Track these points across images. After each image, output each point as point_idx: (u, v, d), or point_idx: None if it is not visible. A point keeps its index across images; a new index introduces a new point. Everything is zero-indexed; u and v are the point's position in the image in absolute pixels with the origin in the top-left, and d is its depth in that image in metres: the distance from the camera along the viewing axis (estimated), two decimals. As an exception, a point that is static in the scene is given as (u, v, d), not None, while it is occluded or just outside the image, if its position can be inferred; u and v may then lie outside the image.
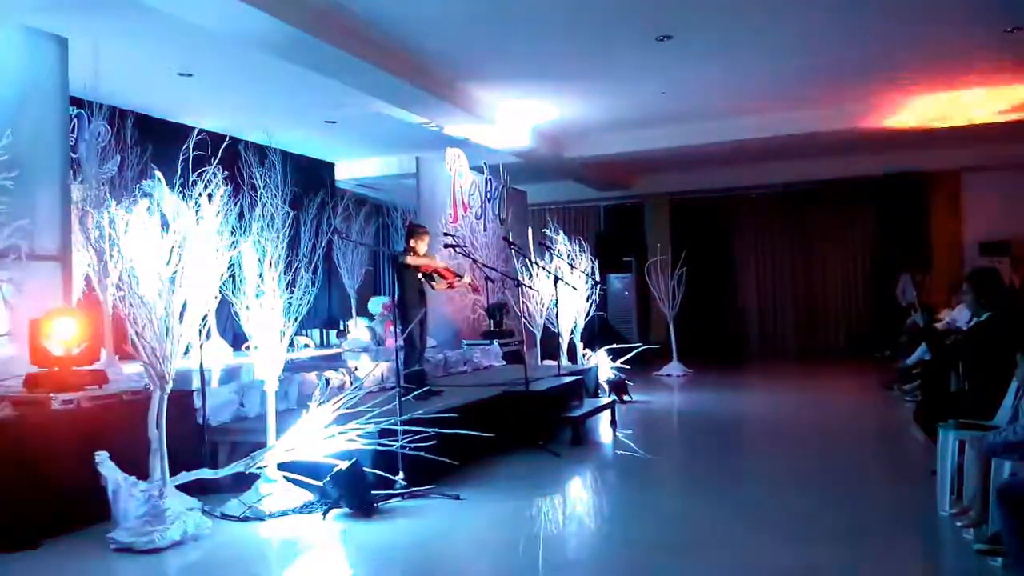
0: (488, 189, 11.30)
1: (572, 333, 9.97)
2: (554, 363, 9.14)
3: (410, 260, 6.65)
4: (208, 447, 5.31)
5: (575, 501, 5.53)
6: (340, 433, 4.88)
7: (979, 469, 4.06)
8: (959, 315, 8.62)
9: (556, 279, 8.75)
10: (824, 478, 5.69)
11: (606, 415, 8.04)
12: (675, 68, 8.71)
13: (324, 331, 10.63)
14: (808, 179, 14.43)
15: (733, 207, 15.81)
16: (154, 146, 7.19)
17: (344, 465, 4.76)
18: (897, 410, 8.48)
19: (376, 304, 10.34)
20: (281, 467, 4.96)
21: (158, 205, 4.76)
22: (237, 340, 8.23)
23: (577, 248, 10.39)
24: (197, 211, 4.67)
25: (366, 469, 4.89)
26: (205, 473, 4.82)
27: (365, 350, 9.34)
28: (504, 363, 9.67)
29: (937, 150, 13.06)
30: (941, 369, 6.26)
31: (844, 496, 5.14)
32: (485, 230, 11.11)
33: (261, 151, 5.36)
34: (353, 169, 12.96)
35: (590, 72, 8.79)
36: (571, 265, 10.03)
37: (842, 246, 15.24)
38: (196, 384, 5.24)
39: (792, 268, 15.51)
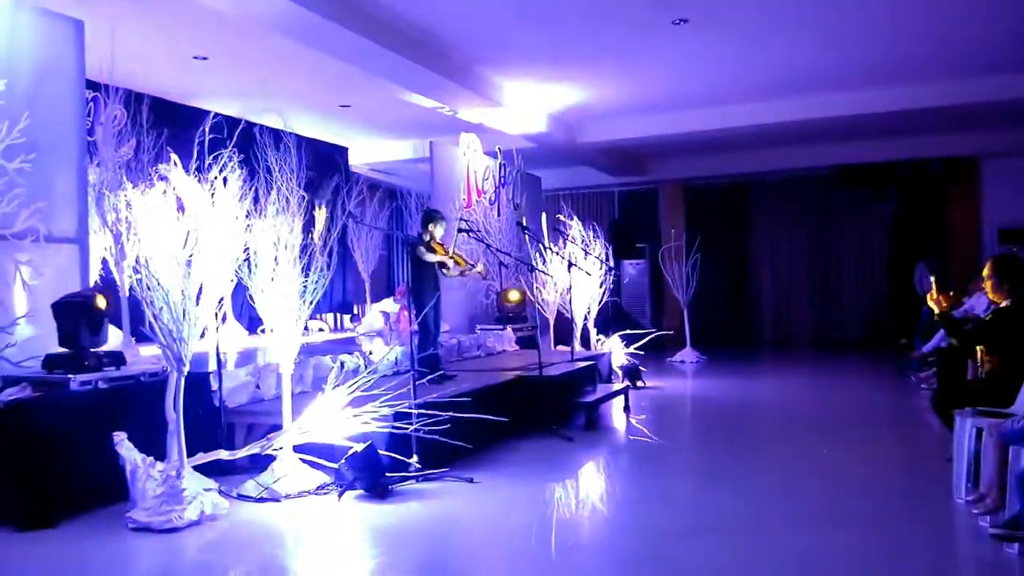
0: (502, 174, 11.28)
1: (586, 319, 9.96)
2: (567, 349, 9.15)
3: (428, 257, 6.64)
4: (225, 429, 5.36)
5: (588, 486, 5.54)
6: (355, 416, 4.91)
7: (996, 456, 4.04)
8: (977, 302, 8.56)
9: (570, 265, 8.73)
10: (839, 465, 5.67)
11: (619, 401, 8.04)
12: (692, 52, 8.63)
13: (338, 315, 10.68)
14: (825, 165, 14.31)
15: (748, 193, 15.70)
16: (169, 129, 7.23)
17: (359, 447, 4.79)
18: (913, 398, 8.45)
19: (391, 304, 10.33)
20: (297, 449, 4.99)
21: (174, 188, 4.78)
22: (252, 323, 8.29)
23: (591, 234, 10.36)
24: (212, 194, 4.69)
25: (381, 452, 4.92)
26: (222, 454, 4.88)
27: (379, 334, 9.38)
28: (517, 348, 9.69)
29: (957, 136, 12.91)
30: (959, 356, 6.20)
31: (859, 483, 5.12)
32: (499, 215, 11.10)
33: (276, 135, 5.37)
34: (367, 154, 12.97)
35: (605, 56, 8.73)
36: (585, 251, 10.01)
37: (859, 233, 15.11)
38: (212, 366, 5.28)
39: (808, 255, 15.40)
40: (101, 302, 4.83)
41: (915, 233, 14.29)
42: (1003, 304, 4.87)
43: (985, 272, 4.95)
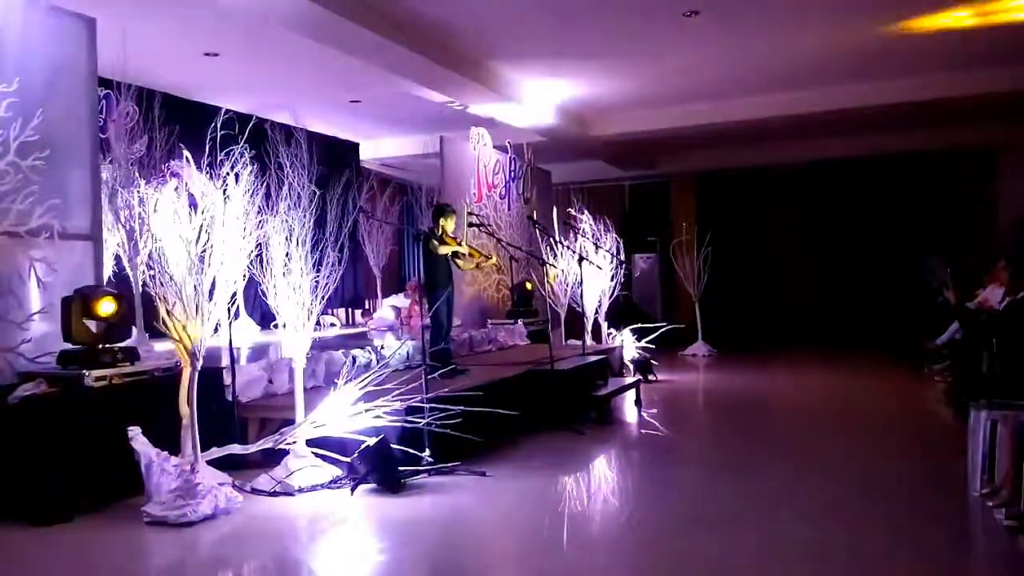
0: (512, 168, 11.27)
1: (597, 313, 9.94)
2: (579, 342, 9.14)
3: (441, 249, 6.65)
4: (238, 423, 5.39)
5: (600, 479, 5.54)
6: (367, 410, 4.92)
7: (1011, 448, 4.01)
8: (991, 294, 8.49)
9: (581, 259, 8.72)
10: (853, 457, 5.65)
11: (631, 394, 8.03)
12: (702, 44, 8.59)
13: (350, 310, 10.72)
14: (837, 157, 14.22)
15: (760, 185, 15.62)
16: (181, 126, 7.26)
17: (372, 442, 4.81)
18: (927, 390, 8.39)
19: (402, 299, 10.36)
20: (310, 443, 5.02)
21: (186, 185, 4.81)
22: (265, 319, 8.33)
23: (602, 227, 10.34)
24: (224, 191, 4.70)
25: (393, 446, 4.94)
26: (235, 449, 4.90)
27: (390, 329, 9.40)
28: (528, 342, 9.69)
29: (970, 127, 12.79)
30: (974, 348, 6.17)
31: (873, 475, 5.10)
32: (509, 209, 11.09)
33: (287, 131, 5.38)
34: (377, 149, 12.99)
35: (616, 49, 8.70)
36: (596, 244, 9.99)
37: (872, 225, 15.01)
38: (226, 361, 5.31)
39: (821, 247, 15.32)
40: (104, 306, 4.81)
41: (931, 225, 14.19)
42: (1021, 295, 4.83)
43: (1002, 264, 4.92)
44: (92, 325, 4.79)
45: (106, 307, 4.83)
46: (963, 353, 7.27)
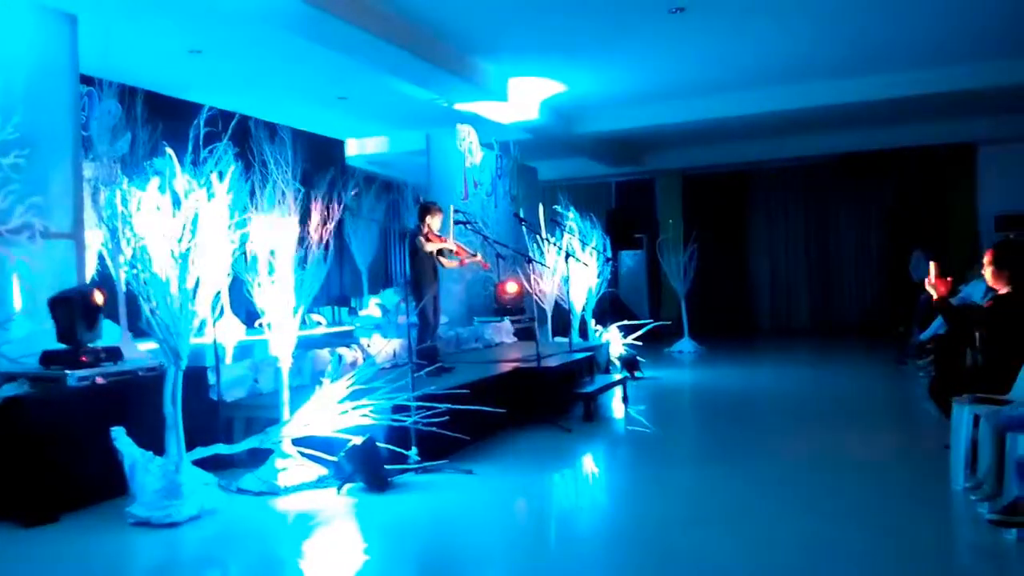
0: (499, 166, 11.26)
1: (583, 310, 9.95)
2: (565, 340, 9.15)
3: (428, 246, 6.65)
4: (223, 423, 5.36)
5: (587, 476, 5.55)
6: (354, 409, 4.91)
7: (994, 443, 4.04)
8: (974, 289, 8.55)
9: (567, 256, 8.72)
10: (837, 453, 5.68)
11: (618, 391, 8.05)
12: (688, 40, 8.61)
13: (336, 308, 10.68)
14: (822, 153, 14.30)
15: (746, 182, 15.70)
16: (164, 124, 7.20)
17: (358, 440, 4.79)
18: (911, 385, 8.46)
19: (390, 296, 10.33)
20: (296, 442, 4.99)
21: (169, 183, 4.76)
22: (250, 317, 8.28)
23: (588, 225, 10.35)
24: (208, 189, 4.66)
25: (379, 444, 4.92)
26: (221, 448, 4.87)
27: (377, 327, 9.38)
28: (516, 340, 9.68)
29: (953, 123, 12.90)
30: (957, 343, 6.22)
31: (857, 470, 5.13)
32: (496, 207, 11.08)
33: (271, 128, 5.35)
34: (363, 146, 12.94)
35: (602, 45, 8.70)
36: (582, 242, 10.00)
37: (856, 221, 15.13)
38: (210, 361, 5.27)
39: (806, 243, 15.42)
40: (98, 297, 4.82)
41: (912, 220, 14.30)
42: (1002, 291, 4.86)
43: (986, 259, 4.94)
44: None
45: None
46: (947, 348, 7.33)
